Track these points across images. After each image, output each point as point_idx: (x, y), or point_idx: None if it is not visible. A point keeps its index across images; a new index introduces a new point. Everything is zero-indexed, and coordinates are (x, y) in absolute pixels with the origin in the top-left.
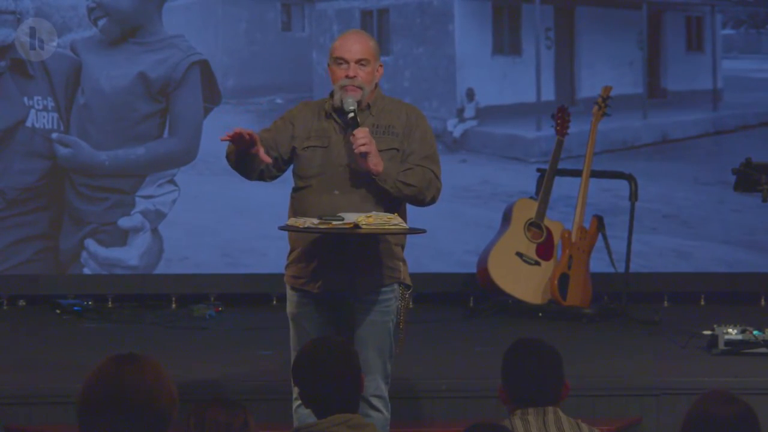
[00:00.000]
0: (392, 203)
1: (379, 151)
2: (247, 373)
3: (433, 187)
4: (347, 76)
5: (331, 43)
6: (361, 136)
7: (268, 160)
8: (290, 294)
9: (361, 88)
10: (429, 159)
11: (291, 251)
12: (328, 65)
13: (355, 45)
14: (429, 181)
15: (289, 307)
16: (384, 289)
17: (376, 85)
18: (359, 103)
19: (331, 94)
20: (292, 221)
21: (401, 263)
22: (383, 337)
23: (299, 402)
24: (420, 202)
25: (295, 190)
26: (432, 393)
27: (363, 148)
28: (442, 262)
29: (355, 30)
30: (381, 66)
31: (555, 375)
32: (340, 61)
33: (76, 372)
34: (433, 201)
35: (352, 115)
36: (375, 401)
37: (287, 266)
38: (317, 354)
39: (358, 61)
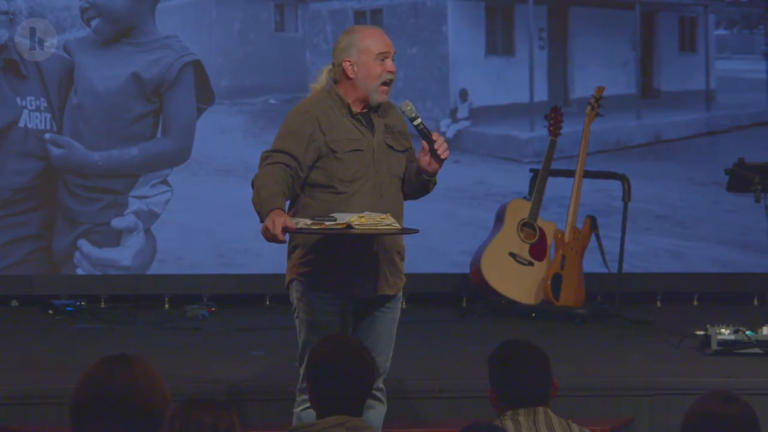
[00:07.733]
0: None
1: (398, 152)
2: (240, 373)
3: None
4: (389, 71)
5: (353, 41)
6: (443, 141)
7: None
8: (314, 301)
9: (390, 84)
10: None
11: (306, 254)
12: (356, 62)
13: (389, 39)
14: None
15: (312, 314)
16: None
17: None
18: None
19: (338, 92)
20: None
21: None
22: (394, 335)
23: (304, 406)
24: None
25: (323, 192)
26: (425, 393)
27: (446, 154)
28: (435, 262)
29: (371, 25)
30: None
31: (542, 375)
32: (383, 55)
33: (69, 372)
34: None
35: (419, 121)
36: (378, 393)
37: (308, 273)
38: (338, 353)
39: (392, 56)
